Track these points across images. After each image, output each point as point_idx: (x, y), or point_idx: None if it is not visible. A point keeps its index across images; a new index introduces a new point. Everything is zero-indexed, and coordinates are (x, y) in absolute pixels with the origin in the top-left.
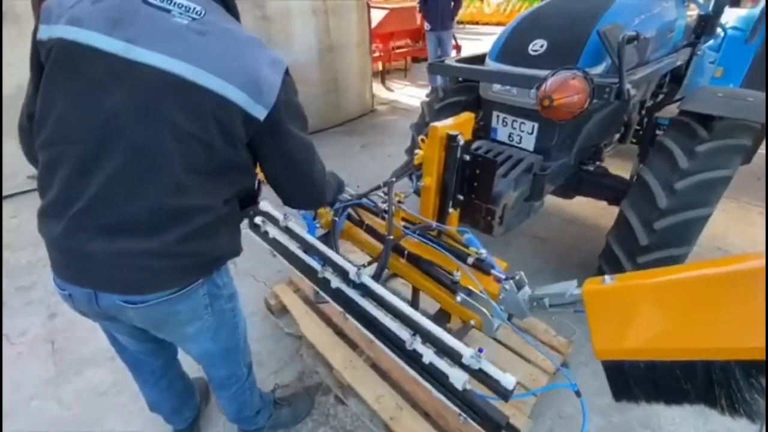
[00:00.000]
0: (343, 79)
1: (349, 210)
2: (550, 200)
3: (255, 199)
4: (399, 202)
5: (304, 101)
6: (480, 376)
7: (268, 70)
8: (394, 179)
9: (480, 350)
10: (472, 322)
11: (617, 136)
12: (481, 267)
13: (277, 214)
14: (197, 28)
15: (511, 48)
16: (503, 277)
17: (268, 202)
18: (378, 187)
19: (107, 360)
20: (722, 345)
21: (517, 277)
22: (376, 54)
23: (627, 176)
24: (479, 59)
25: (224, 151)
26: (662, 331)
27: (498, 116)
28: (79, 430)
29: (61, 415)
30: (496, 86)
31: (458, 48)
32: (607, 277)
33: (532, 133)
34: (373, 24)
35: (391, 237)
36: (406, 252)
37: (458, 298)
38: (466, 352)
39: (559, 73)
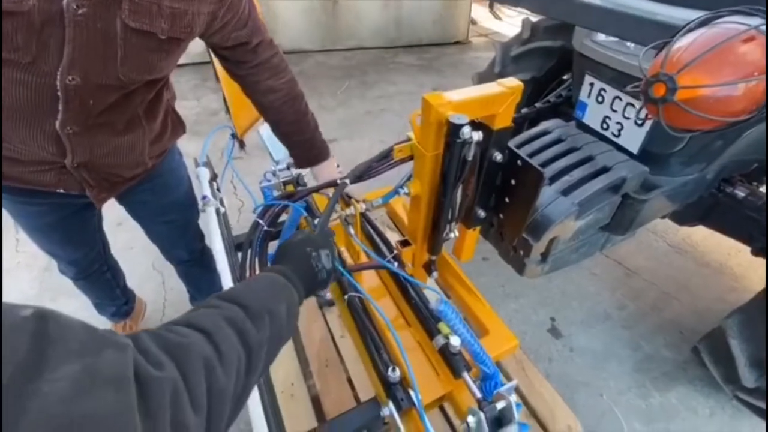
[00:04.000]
0: None
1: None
2: None
3: None
4: (361, 213)
5: None
6: None
7: None
8: (347, 181)
9: None
10: None
11: None
12: (450, 361)
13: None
14: None
15: None
16: (479, 395)
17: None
18: (331, 185)
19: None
20: None
21: (501, 405)
22: None
23: None
24: None
25: None
26: None
27: (592, 85)
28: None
29: None
30: (600, 35)
31: None
32: None
33: (642, 124)
34: None
35: None
36: (347, 294)
37: (384, 410)
38: None
39: (715, 25)
